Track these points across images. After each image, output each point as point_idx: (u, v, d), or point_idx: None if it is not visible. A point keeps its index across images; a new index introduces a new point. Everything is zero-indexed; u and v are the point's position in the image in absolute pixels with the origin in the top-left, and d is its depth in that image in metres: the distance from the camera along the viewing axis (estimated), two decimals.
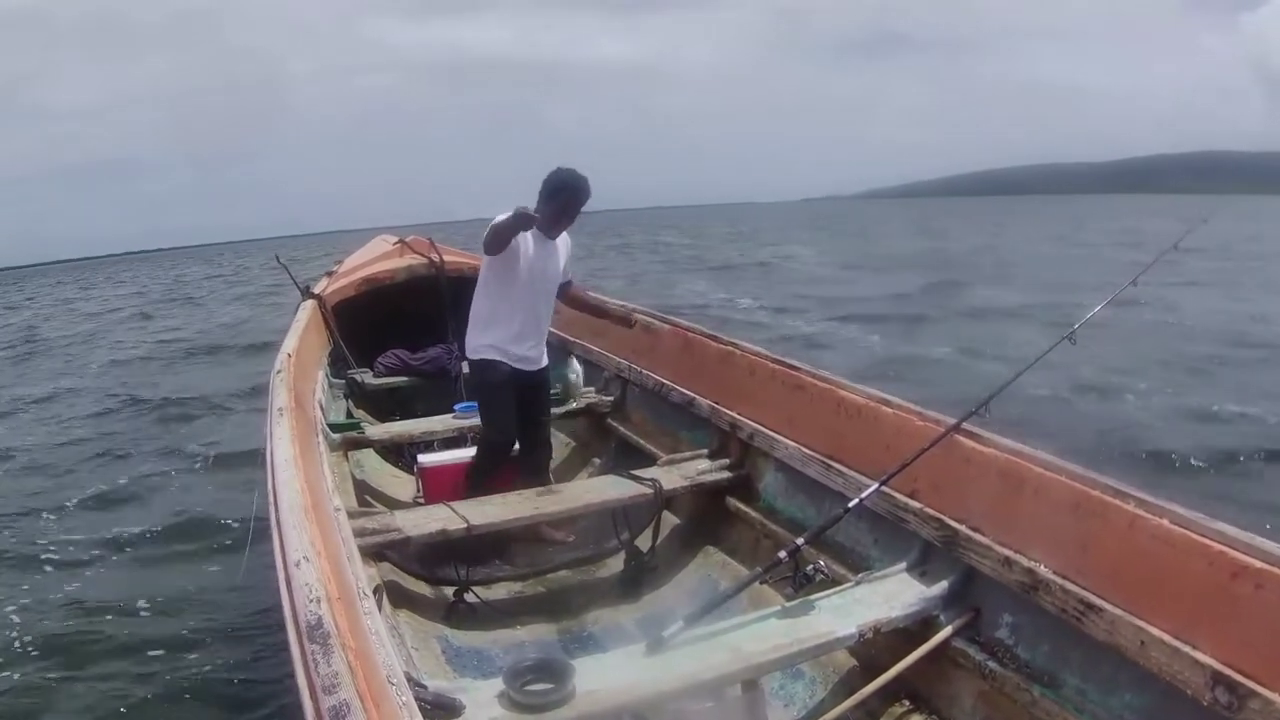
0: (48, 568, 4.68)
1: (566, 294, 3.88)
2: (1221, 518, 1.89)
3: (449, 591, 3.27)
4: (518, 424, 3.78)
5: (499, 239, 3.34)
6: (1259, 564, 1.73)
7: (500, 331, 3.63)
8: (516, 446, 3.83)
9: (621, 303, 4.48)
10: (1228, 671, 1.71)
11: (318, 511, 2.01)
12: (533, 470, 3.83)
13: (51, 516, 5.55)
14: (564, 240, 3.75)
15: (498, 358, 3.64)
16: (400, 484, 4.64)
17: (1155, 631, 1.86)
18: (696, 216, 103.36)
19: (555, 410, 4.24)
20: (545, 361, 3.83)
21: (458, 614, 3.19)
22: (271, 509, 2.03)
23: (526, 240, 3.49)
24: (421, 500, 4.10)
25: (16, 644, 3.73)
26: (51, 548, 4.93)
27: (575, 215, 3.65)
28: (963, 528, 2.42)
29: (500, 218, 3.31)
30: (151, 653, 3.65)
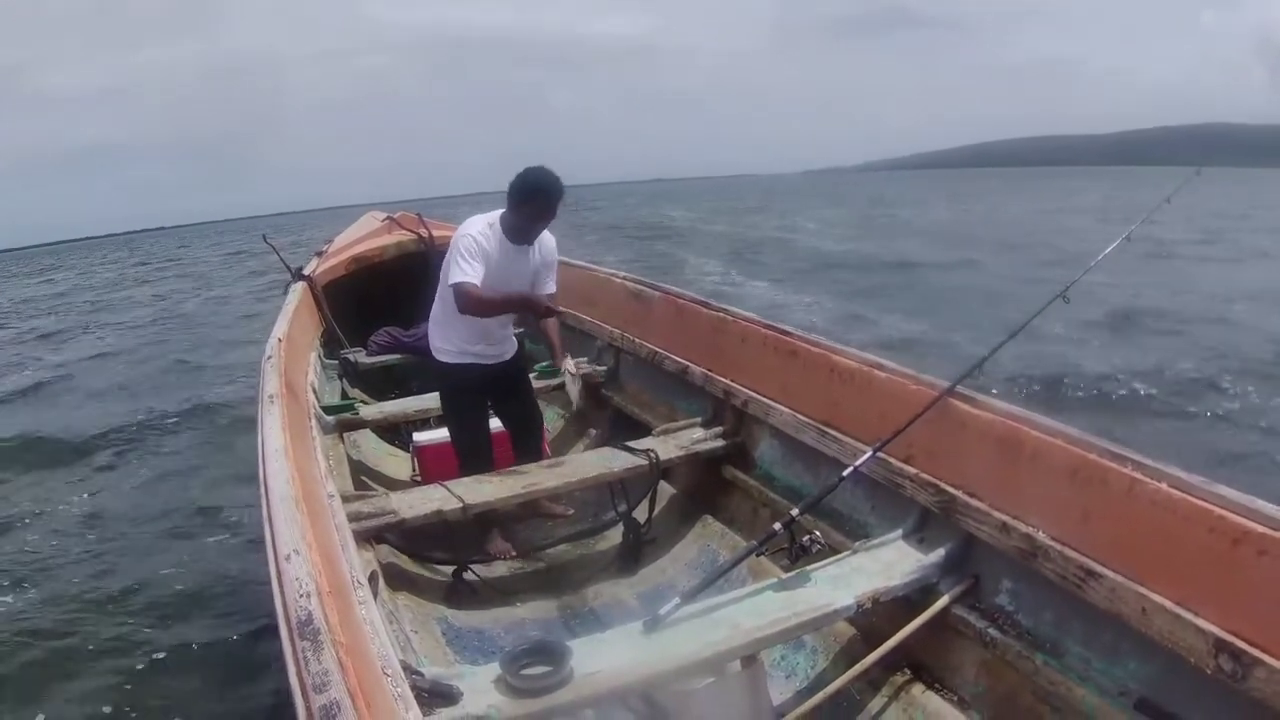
0: (19, 561, 4.51)
1: (540, 321, 3.65)
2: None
3: (448, 571, 3.25)
4: (504, 410, 3.78)
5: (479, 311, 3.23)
6: (1261, 529, 1.70)
7: (466, 335, 3.48)
8: (504, 428, 3.82)
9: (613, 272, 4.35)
10: (1231, 639, 1.68)
11: (310, 500, 1.98)
12: (527, 450, 3.80)
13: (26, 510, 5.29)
14: (545, 248, 3.50)
15: (467, 360, 3.52)
16: (397, 463, 4.63)
17: (1157, 599, 1.83)
18: (698, 189, 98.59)
19: (549, 381, 4.20)
20: (515, 345, 3.73)
21: (457, 594, 3.19)
22: (262, 501, 2.00)
23: (493, 257, 3.29)
24: (419, 479, 4.09)
25: None
26: (27, 545, 4.75)
27: (551, 218, 3.36)
28: (960, 493, 2.39)
29: (468, 273, 3.15)
30: (146, 649, 3.55)
